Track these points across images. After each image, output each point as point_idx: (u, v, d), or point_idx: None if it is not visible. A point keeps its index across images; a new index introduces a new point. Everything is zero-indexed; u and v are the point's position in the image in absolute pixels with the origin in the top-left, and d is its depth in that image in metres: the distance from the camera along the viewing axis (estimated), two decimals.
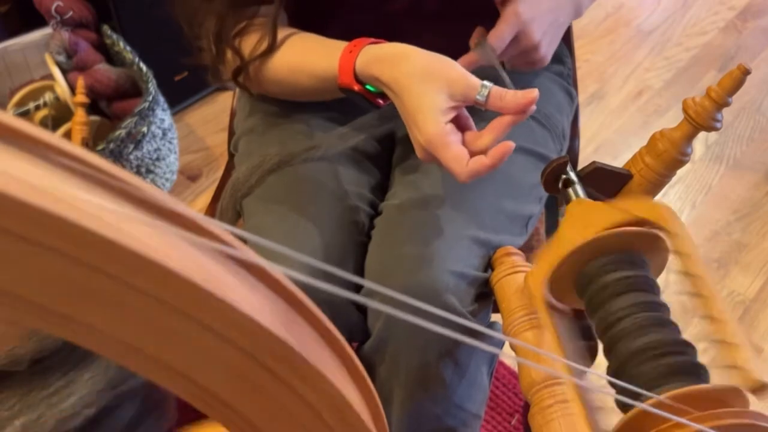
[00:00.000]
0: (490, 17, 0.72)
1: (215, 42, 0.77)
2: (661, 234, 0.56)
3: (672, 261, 0.58)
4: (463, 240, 0.72)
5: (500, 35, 0.70)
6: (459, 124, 0.65)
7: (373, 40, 0.70)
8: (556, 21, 0.75)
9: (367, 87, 0.70)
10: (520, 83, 0.66)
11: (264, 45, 0.74)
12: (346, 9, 0.82)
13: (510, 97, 0.63)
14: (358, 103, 0.72)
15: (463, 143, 0.64)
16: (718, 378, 0.48)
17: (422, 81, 0.64)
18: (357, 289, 0.73)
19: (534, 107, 0.63)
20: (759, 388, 0.45)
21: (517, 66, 0.76)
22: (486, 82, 0.63)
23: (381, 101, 0.71)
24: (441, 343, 0.70)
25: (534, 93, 0.62)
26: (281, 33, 0.76)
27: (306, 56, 0.74)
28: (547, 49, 0.75)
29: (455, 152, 0.62)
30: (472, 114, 0.67)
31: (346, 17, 0.83)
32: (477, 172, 0.62)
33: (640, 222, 0.56)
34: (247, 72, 0.77)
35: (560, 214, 0.95)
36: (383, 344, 0.72)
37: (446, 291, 0.68)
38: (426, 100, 0.63)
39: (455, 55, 0.68)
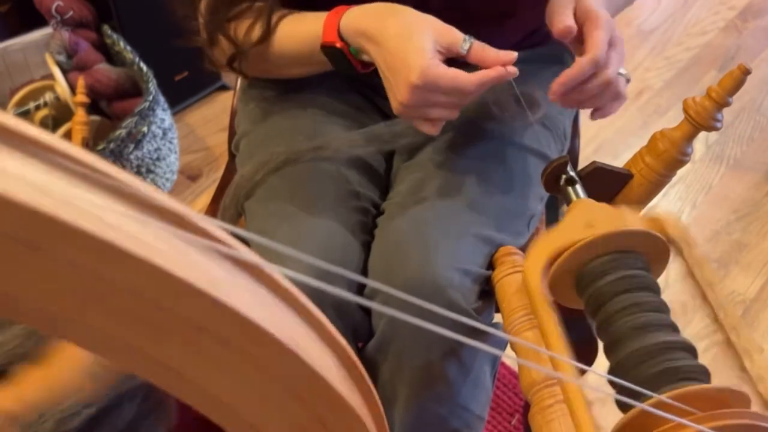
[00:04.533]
0: (492, 20, 0.72)
1: (207, 27, 0.77)
2: (665, 238, 0.56)
3: (672, 260, 0.58)
4: (467, 237, 0.72)
5: (598, 42, 0.64)
6: None
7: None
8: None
9: (351, 50, 0.71)
10: (521, 82, 0.66)
11: (258, 31, 0.75)
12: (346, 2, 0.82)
13: (492, 51, 0.65)
14: (337, 69, 0.72)
15: None
16: (718, 378, 0.48)
17: (409, 27, 0.65)
18: (361, 288, 0.73)
19: (515, 69, 0.64)
20: None
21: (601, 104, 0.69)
22: (467, 36, 0.66)
23: (361, 66, 0.72)
24: (445, 342, 0.69)
25: (513, 55, 0.64)
26: (274, 16, 0.76)
27: (293, 26, 0.75)
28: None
29: (454, 71, 0.64)
30: None
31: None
32: (485, 77, 0.63)
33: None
34: (241, 58, 0.78)
35: (560, 214, 0.95)
36: (387, 343, 0.72)
37: (450, 288, 0.68)
38: (414, 42, 0.64)
39: None
